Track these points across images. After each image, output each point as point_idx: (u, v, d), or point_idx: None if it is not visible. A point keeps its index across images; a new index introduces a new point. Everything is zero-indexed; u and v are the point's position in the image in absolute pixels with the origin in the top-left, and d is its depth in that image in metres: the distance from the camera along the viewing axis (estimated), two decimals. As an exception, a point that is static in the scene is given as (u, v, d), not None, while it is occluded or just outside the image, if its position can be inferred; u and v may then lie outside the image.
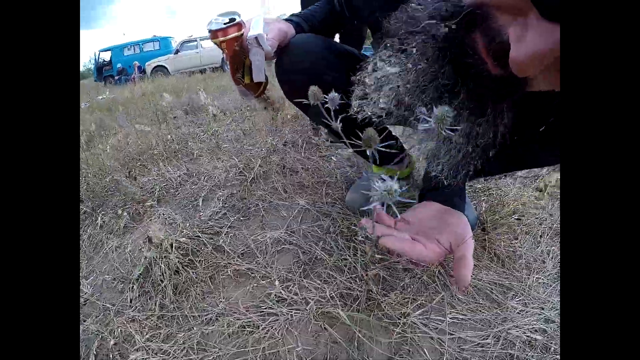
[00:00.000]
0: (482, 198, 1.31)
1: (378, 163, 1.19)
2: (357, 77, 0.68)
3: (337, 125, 0.62)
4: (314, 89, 0.59)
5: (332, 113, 0.60)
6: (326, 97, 0.60)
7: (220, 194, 1.30)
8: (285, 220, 1.12)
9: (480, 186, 1.39)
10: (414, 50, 0.57)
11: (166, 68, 13.08)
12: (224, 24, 0.82)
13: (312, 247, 0.99)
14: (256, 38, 0.82)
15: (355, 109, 0.67)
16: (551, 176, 1.62)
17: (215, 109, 2.51)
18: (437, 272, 0.92)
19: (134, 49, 15.93)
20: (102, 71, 16.62)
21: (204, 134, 2.11)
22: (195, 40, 13.73)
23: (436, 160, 0.67)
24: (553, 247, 1.13)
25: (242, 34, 0.83)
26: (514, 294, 0.91)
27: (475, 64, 0.52)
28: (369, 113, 0.64)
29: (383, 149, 0.50)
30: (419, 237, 0.74)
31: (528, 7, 0.42)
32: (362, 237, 0.66)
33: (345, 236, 1.04)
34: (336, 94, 0.59)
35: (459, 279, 0.65)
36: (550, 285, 0.97)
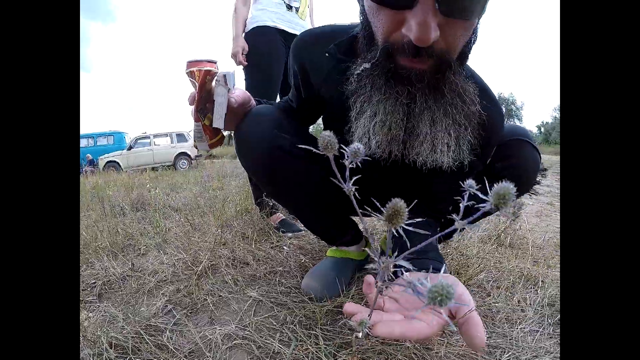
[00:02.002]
0: (446, 263, 1.32)
1: (349, 243, 1.23)
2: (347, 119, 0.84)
3: (350, 189, 0.50)
4: (327, 136, 0.47)
5: (348, 172, 0.49)
6: (345, 148, 0.48)
7: (166, 289, 1.24)
8: (236, 314, 1.07)
9: (441, 252, 1.41)
10: (370, 91, 0.78)
11: (118, 164, 12.94)
12: (201, 59, 0.90)
13: (268, 341, 0.93)
14: (224, 76, 0.89)
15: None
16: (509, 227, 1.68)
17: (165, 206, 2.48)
18: (412, 348, 0.87)
19: (88, 141, 15.78)
20: (54, 162, 16.19)
21: (153, 230, 2.05)
22: (149, 137, 13.81)
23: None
24: (529, 293, 1.15)
25: (214, 70, 0.90)
26: (501, 352, 0.88)
27: (409, 72, 0.73)
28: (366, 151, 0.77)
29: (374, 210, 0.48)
30: (411, 313, 0.68)
31: None
32: (358, 331, 0.56)
33: (304, 325, 0.99)
34: (360, 145, 0.48)
35: (472, 340, 0.61)
36: (537, 331, 0.96)
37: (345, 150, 0.48)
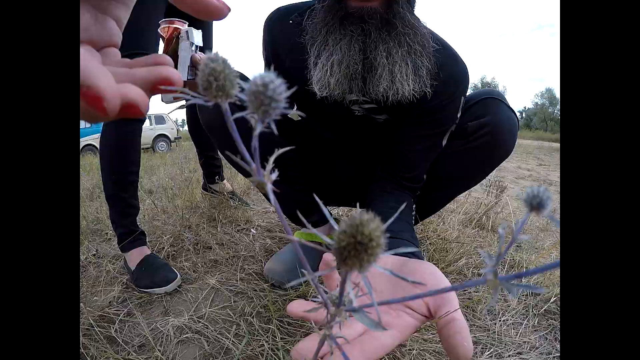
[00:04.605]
0: (423, 249, 1.26)
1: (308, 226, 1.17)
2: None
3: (263, 173, 0.24)
4: (209, 62, 0.21)
5: (256, 141, 0.23)
6: (244, 86, 0.22)
7: (124, 277, 1.18)
8: (192, 304, 1.01)
9: (419, 236, 1.36)
10: (326, 35, 0.84)
11: (96, 147, 12.62)
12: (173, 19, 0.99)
13: (222, 334, 0.87)
14: (187, 32, 0.96)
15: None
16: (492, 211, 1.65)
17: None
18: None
19: (63, 126, 15.31)
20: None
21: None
22: (127, 120, 13.48)
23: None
24: (512, 282, 1.10)
25: (181, 28, 0.97)
26: (483, 347, 0.83)
27: (360, 10, 0.80)
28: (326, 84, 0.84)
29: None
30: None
31: None
32: None
33: (262, 317, 0.94)
34: (272, 75, 0.21)
35: (456, 350, 0.45)
36: (521, 324, 0.91)
37: (242, 92, 0.22)
